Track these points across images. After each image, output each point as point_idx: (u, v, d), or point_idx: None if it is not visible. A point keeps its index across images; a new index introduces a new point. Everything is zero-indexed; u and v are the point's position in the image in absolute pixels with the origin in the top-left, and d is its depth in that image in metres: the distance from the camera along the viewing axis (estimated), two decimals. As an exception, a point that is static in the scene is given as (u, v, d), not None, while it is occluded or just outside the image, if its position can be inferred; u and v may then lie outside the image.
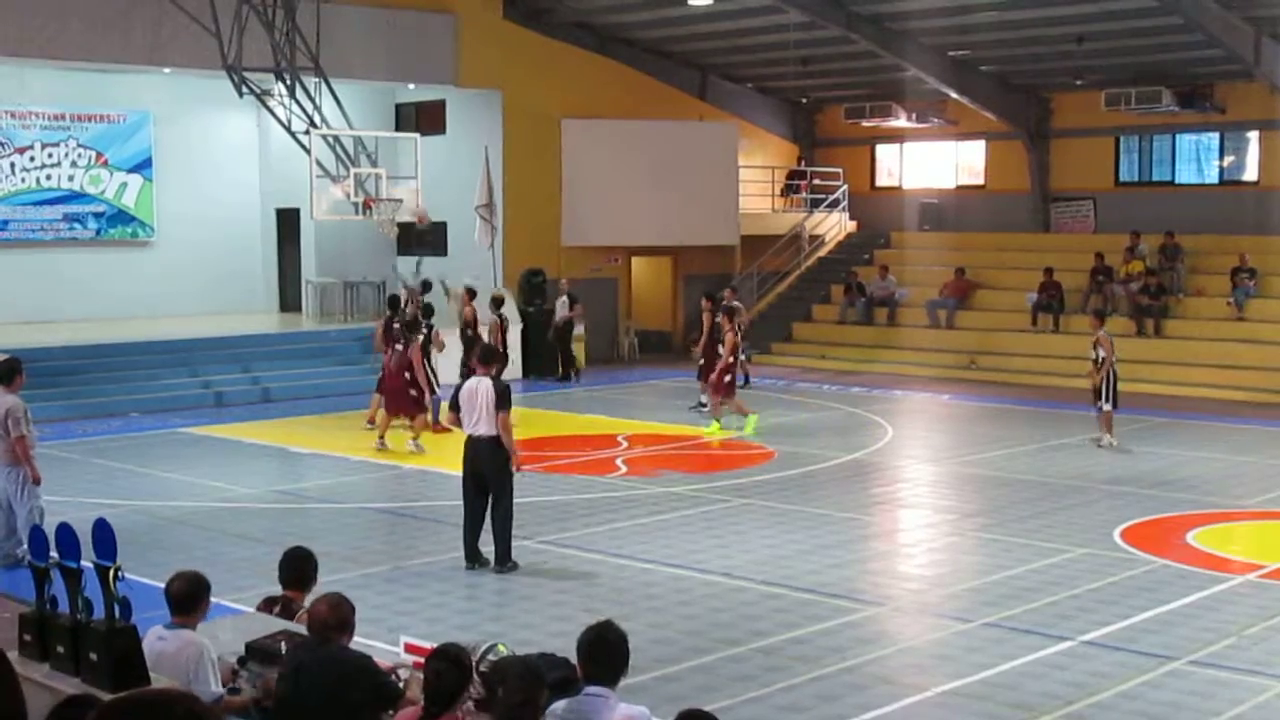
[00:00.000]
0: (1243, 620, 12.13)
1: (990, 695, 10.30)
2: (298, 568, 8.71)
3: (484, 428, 13.62)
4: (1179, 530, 15.67)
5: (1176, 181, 33.24)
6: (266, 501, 17.20)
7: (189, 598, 7.56)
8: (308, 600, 8.36)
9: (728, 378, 22.69)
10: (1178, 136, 33.13)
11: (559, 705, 6.42)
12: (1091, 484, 18.20)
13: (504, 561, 13.70)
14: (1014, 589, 13.11)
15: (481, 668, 6.87)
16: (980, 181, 36.07)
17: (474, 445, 13.78)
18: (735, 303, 25.92)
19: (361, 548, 14.75)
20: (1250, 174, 32.23)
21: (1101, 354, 20.71)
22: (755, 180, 36.34)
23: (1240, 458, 20.51)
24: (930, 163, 37.11)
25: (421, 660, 6.91)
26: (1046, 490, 17.88)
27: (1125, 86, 30.56)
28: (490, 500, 13.78)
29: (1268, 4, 26.54)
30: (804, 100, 37.19)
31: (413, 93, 32.71)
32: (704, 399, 24.50)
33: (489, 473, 13.71)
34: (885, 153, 37.91)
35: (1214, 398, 26.05)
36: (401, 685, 7.14)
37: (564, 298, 29.86)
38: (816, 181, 37.30)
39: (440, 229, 31.74)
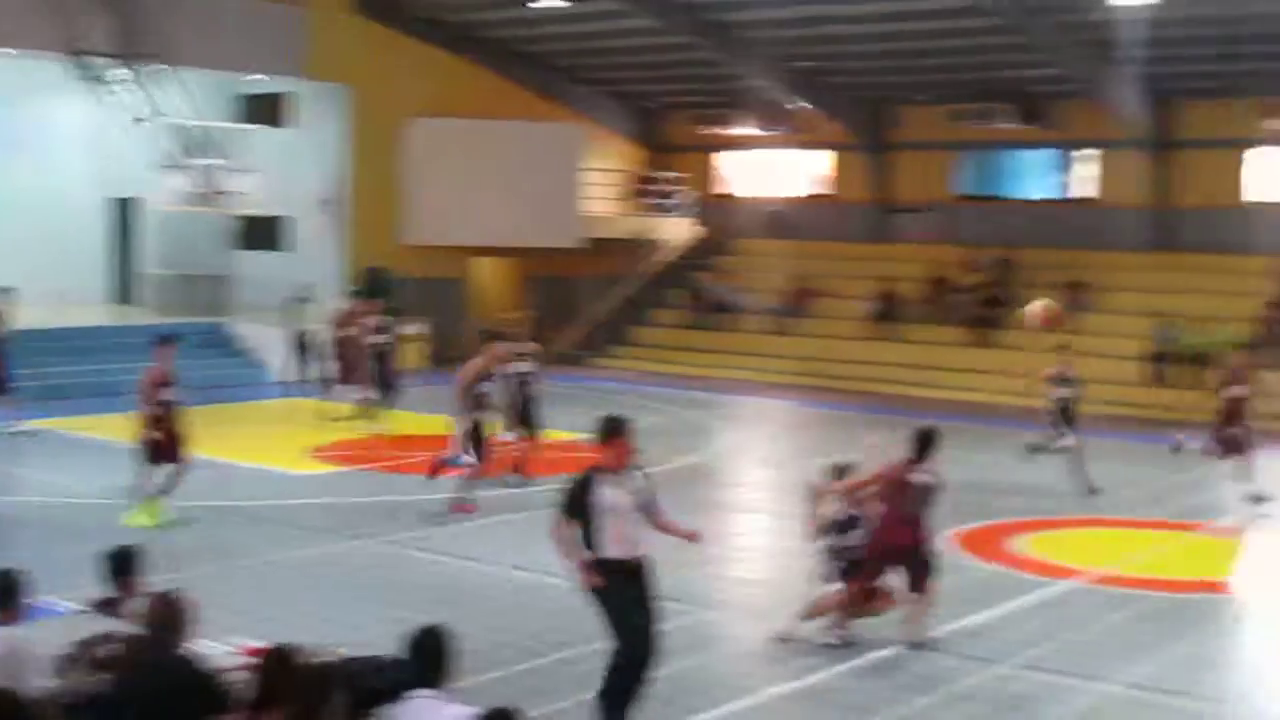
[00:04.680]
0: (1067, 623, 12.50)
1: (822, 697, 10.48)
2: (122, 565, 8.55)
3: None
4: (1004, 536, 16.06)
5: (1015, 196, 34.02)
6: (102, 498, 16.81)
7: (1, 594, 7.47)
8: (135, 599, 8.22)
9: None
10: (1017, 152, 33.90)
11: (387, 710, 6.42)
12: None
13: None
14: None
15: (313, 669, 6.84)
16: (825, 190, 36.52)
17: None
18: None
19: (196, 546, 14.53)
20: (1087, 190, 33.04)
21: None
22: (605, 184, 36.42)
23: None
24: (776, 171, 37.47)
25: (254, 662, 6.86)
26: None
27: (967, 102, 31.22)
28: None
29: (1107, 27, 27.23)
30: (652, 105, 37.35)
31: (260, 84, 32.26)
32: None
33: None
34: (732, 160, 38.21)
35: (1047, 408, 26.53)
36: (233, 687, 7.07)
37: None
38: (665, 187, 37.48)
39: (284, 224, 31.39)
